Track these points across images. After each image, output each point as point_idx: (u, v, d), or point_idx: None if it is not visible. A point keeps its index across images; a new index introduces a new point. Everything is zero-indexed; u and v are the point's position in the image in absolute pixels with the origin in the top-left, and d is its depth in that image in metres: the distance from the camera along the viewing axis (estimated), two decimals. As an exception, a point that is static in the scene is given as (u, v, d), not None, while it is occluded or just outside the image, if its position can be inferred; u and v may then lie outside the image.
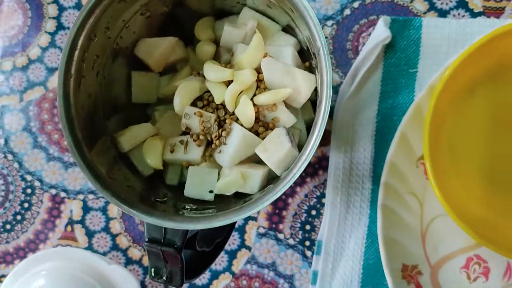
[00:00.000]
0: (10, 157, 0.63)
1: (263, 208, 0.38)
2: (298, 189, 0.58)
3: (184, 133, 0.47)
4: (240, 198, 0.44)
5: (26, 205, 0.63)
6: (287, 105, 0.44)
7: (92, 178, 0.40)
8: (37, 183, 0.62)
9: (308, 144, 0.37)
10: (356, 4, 0.57)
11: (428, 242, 0.54)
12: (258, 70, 0.44)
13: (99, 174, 0.41)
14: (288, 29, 0.47)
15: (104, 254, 0.62)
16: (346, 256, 0.56)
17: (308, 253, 0.58)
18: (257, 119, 0.44)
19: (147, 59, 0.47)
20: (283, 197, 0.58)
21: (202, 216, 0.39)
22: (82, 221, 0.62)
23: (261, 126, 0.44)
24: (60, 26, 0.62)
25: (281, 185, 0.37)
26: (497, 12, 0.55)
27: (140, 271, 0.61)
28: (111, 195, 0.40)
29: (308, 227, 0.58)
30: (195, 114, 0.44)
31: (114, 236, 0.61)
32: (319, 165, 0.58)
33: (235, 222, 0.53)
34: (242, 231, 0.59)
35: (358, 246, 0.56)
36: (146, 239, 0.41)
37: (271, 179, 0.44)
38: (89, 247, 0.62)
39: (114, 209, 0.61)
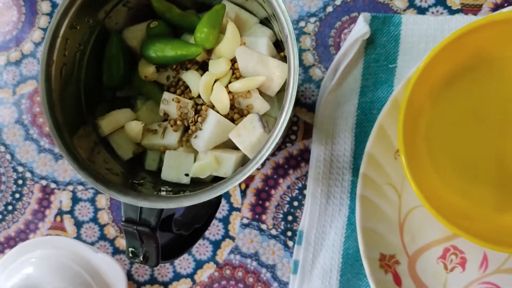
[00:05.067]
0: (2, 148, 0.65)
1: (233, 187, 0.40)
2: (280, 180, 0.59)
3: (164, 121, 0.48)
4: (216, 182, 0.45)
5: (17, 195, 0.64)
6: (261, 93, 0.46)
7: (71, 159, 0.41)
8: (28, 174, 0.64)
9: (276, 126, 0.39)
10: (338, 2, 0.59)
11: (406, 232, 0.55)
12: (234, 59, 0.46)
13: (77, 156, 0.42)
14: (265, 22, 0.49)
15: (92, 243, 0.63)
16: (326, 245, 0.57)
17: (290, 243, 0.59)
18: (232, 106, 0.45)
19: (133, 43, 0.49)
20: (266, 188, 0.59)
21: (174, 196, 0.41)
22: (71, 212, 0.63)
23: (236, 113, 0.45)
24: (52, 23, 0.64)
25: (250, 166, 0.39)
26: (475, 10, 0.56)
27: (127, 260, 0.63)
28: (88, 175, 0.41)
29: (290, 217, 0.59)
30: (173, 100, 0.46)
31: (102, 227, 0.63)
32: (301, 158, 0.59)
33: (216, 210, 0.54)
34: (226, 221, 0.60)
35: (338, 236, 0.57)
36: (123, 219, 0.43)
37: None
38: (78, 237, 0.63)
39: (103, 200, 0.63)
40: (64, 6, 0.43)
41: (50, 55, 0.43)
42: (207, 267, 0.61)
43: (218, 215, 0.60)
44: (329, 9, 0.59)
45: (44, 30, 0.64)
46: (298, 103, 0.59)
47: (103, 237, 0.63)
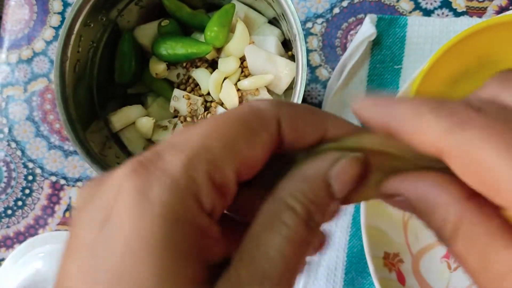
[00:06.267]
0: (13, 145, 0.66)
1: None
2: (286, 179, 0.60)
3: (174, 117, 0.49)
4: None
5: (27, 191, 0.66)
6: (269, 91, 0.46)
7: (84, 153, 0.43)
8: (38, 170, 0.65)
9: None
10: (345, 3, 0.60)
11: (410, 231, 0.56)
12: (243, 57, 0.47)
13: (90, 150, 0.43)
14: (274, 22, 0.50)
15: (100, 239, 0.64)
16: (332, 244, 0.58)
17: (295, 241, 0.60)
18: (241, 104, 0.46)
19: (145, 41, 0.50)
20: (272, 186, 0.60)
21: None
22: (80, 208, 0.64)
23: (245, 110, 0.46)
24: (64, 21, 0.65)
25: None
26: (480, 12, 0.57)
27: (134, 256, 0.63)
28: (101, 169, 0.42)
29: (295, 216, 0.60)
30: (183, 97, 0.47)
31: (110, 223, 0.64)
32: (307, 157, 0.60)
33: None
34: (232, 219, 0.61)
35: (343, 234, 0.58)
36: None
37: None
38: (86, 233, 0.64)
39: (111, 197, 0.64)
40: (79, 4, 0.44)
41: (65, 51, 0.44)
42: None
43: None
44: (336, 10, 0.60)
45: (56, 28, 0.65)
46: (304, 102, 0.60)
47: (111, 233, 0.64)
